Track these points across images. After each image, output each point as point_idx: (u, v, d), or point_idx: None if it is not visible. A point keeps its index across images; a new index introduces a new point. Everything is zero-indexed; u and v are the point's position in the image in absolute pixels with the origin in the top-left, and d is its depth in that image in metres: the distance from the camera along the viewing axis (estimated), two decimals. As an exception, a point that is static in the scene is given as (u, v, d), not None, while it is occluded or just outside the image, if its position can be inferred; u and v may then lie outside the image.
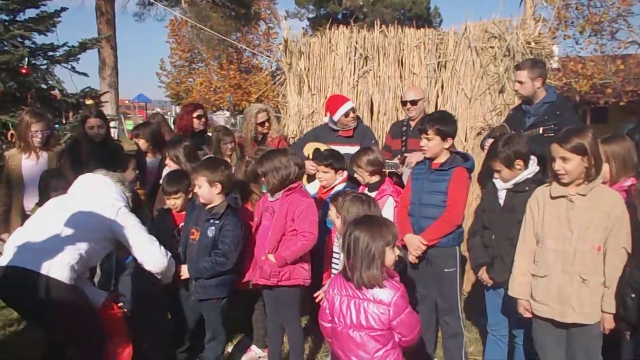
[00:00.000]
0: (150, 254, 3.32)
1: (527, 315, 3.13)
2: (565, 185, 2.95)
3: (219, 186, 3.66)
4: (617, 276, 2.84)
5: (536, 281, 3.04)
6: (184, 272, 3.64)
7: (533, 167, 3.40)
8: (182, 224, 3.87)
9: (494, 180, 3.52)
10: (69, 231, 3.05)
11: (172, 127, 6.11)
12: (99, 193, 3.29)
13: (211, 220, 3.64)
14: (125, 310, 3.50)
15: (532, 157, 3.42)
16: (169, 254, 3.43)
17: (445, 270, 3.75)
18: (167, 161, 4.45)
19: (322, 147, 4.78)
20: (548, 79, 4.94)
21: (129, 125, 24.78)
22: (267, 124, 5.15)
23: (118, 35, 16.71)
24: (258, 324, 4.19)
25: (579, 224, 2.90)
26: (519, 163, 3.34)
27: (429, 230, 3.71)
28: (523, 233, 3.14)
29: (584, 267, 2.89)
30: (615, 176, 3.32)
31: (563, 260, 2.93)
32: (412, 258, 3.79)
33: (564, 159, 2.89)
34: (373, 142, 4.78)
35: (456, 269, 3.76)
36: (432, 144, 3.73)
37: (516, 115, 4.50)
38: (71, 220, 3.09)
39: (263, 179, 3.71)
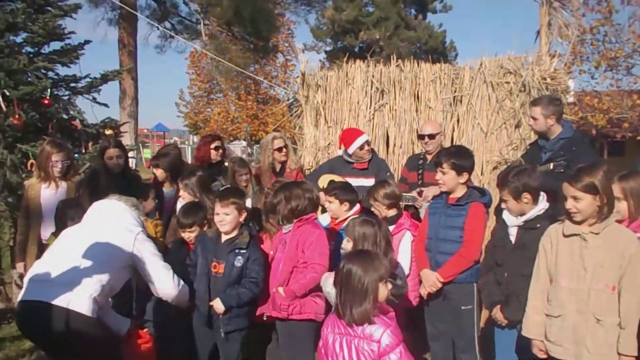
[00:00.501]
0: (163, 283, 3.31)
1: (542, 355, 3.05)
2: (578, 223, 2.91)
3: (244, 214, 3.71)
4: (633, 317, 2.77)
5: (550, 321, 2.98)
6: (218, 305, 3.57)
7: (543, 203, 3.37)
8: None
9: (503, 216, 3.50)
10: (88, 262, 3.04)
11: (190, 156, 6.19)
12: (114, 220, 3.28)
13: (237, 251, 3.65)
14: (152, 335, 3.48)
15: (542, 193, 3.39)
16: (181, 282, 3.43)
17: (463, 307, 3.70)
18: (181, 192, 4.47)
19: (338, 179, 4.79)
20: (564, 114, 4.93)
21: (147, 154, 25.10)
22: (284, 150, 5.20)
23: (139, 66, 17.06)
24: (272, 357, 4.13)
25: (593, 262, 2.85)
26: (526, 196, 3.32)
27: (445, 266, 3.68)
28: (537, 271, 3.09)
29: (598, 306, 2.83)
30: (635, 213, 3.26)
31: (577, 299, 2.88)
32: (424, 293, 3.75)
33: (575, 198, 2.86)
34: (388, 174, 4.79)
35: (473, 306, 3.70)
36: (447, 178, 3.72)
37: (533, 150, 4.50)
38: (90, 250, 3.08)
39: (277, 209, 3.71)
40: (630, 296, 2.78)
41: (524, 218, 3.36)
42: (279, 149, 5.18)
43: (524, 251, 3.32)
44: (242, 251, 3.64)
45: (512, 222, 3.44)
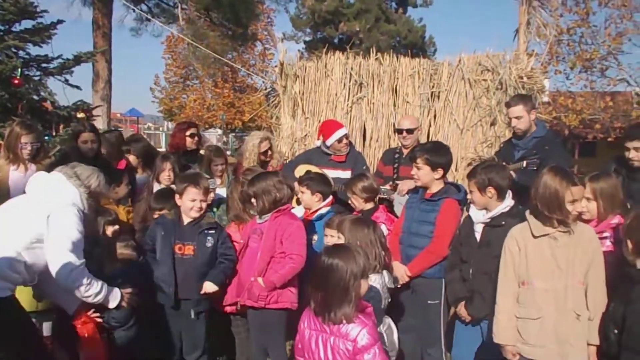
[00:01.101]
0: (56, 268, 2.95)
1: (515, 358, 3.00)
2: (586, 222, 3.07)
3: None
4: (600, 308, 2.84)
5: (526, 324, 2.92)
6: (211, 287, 3.64)
7: (508, 200, 3.40)
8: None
9: (469, 212, 3.53)
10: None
11: (164, 142, 6.10)
12: (43, 194, 3.05)
13: (206, 231, 3.71)
14: (102, 319, 3.41)
15: (509, 191, 3.43)
16: (92, 280, 3.08)
17: (429, 302, 3.74)
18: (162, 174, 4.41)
19: (314, 169, 4.78)
20: (539, 112, 5.01)
21: (119, 138, 24.64)
22: (269, 152, 5.16)
23: (113, 48, 16.71)
24: (243, 347, 4.11)
25: (565, 260, 2.88)
26: (490, 190, 3.35)
27: (414, 261, 3.72)
28: (504, 275, 3.02)
29: (575, 302, 2.87)
30: (604, 213, 3.33)
31: (555, 298, 2.88)
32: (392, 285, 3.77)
33: (588, 199, 3.09)
34: (364, 168, 4.80)
35: (440, 301, 3.73)
36: (421, 173, 3.75)
37: (506, 148, 4.55)
38: (4, 225, 2.95)
39: (253, 199, 3.68)
40: (597, 288, 2.86)
41: (490, 215, 3.39)
42: (264, 152, 5.13)
43: (488, 249, 3.35)
44: (211, 232, 3.73)
45: (478, 218, 3.47)
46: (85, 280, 3.02)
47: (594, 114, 15.36)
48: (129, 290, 3.39)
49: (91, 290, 3.07)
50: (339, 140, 4.82)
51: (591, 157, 17.22)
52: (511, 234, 3.03)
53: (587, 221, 3.24)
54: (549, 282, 2.89)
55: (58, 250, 2.95)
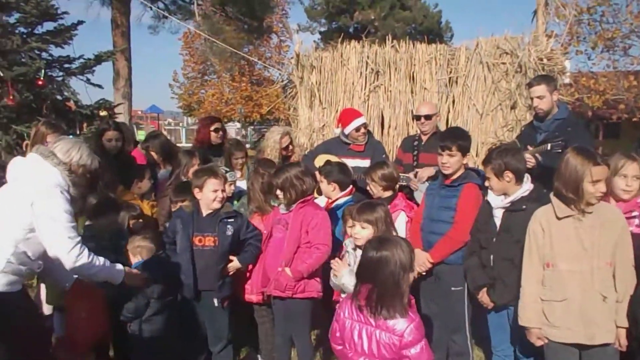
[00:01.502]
0: (55, 247, 2.90)
1: (540, 343, 3.00)
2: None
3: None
4: (629, 290, 2.82)
5: (551, 306, 2.92)
6: (234, 265, 3.78)
7: (527, 184, 3.36)
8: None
9: (487, 198, 3.49)
10: None
11: (184, 138, 6.19)
12: (24, 178, 2.96)
13: (225, 220, 3.78)
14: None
15: (527, 175, 3.40)
16: (94, 257, 3.04)
17: (452, 288, 3.74)
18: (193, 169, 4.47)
19: (334, 159, 4.80)
20: (560, 94, 4.95)
21: (141, 135, 24.96)
22: (290, 147, 5.20)
23: (132, 47, 16.88)
24: (267, 337, 4.17)
25: (591, 241, 2.85)
26: (508, 175, 3.31)
27: (435, 247, 3.72)
28: (528, 257, 3.03)
29: (602, 284, 2.84)
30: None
31: (581, 280, 2.85)
32: (415, 272, 3.78)
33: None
34: (383, 156, 4.80)
35: (464, 288, 3.72)
36: (454, 160, 3.73)
37: (528, 131, 4.50)
38: None
39: (278, 191, 3.73)
40: (625, 269, 2.83)
41: (510, 199, 3.34)
42: (286, 147, 5.17)
43: (509, 234, 3.31)
44: (230, 220, 3.79)
45: (497, 203, 3.42)
46: (85, 259, 2.96)
47: (618, 94, 15.06)
48: (136, 271, 3.44)
49: (93, 268, 3.03)
50: (357, 129, 4.83)
51: (615, 139, 16.94)
52: (535, 216, 3.02)
53: (626, 201, 3.20)
54: (575, 263, 2.87)
55: (51, 235, 2.89)
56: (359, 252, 3.15)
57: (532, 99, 4.39)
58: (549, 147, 4.04)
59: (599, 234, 2.85)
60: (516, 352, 3.52)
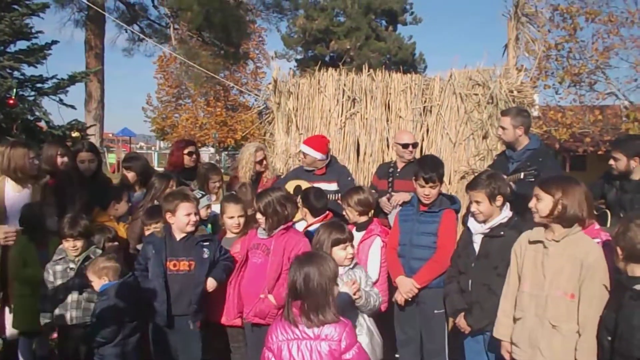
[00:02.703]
0: None
1: (507, 357, 3.15)
2: (540, 225, 3.03)
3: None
4: (589, 324, 2.84)
5: (514, 323, 3.10)
6: (211, 283, 3.70)
7: (506, 211, 3.46)
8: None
9: (468, 224, 3.57)
10: None
11: (156, 162, 6.15)
12: None
13: (202, 243, 3.74)
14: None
15: (507, 203, 3.49)
16: None
17: (435, 311, 3.78)
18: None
19: (304, 184, 4.83)
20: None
21: (111, 159, 24.63)
22: (264, 162, 5.25)
23: (105, 69, 16.81)
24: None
25: (552, 270, 2.94)
26: (499, 199, 3.42)
27: (420, 272, 3.75)
28: (509, 276, 3.18)
29: (554, 312, 2.92)
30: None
31: (536, 304, 2.98)
32: (400, 299, 3.80)
33: (537, 197, 3.01)
34: (349, 179, 4.87)
35: (445, 311, 3.76)
36: (435, 192, 3.84)
37: (501, 160, 4.61)
38: None
39: (259, 215, 3.70)
40: (587, 305, 2.86)
41: (488, 225, 3.44)
42: (260, 162, 5.21)
43: (487, 260, 3.41)
44: (205, 243, 3.76)
45: (477, 229, 3.51)
46: None
47: (584, 128, 15.53)
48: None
49: None
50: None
51: (582, 171, 17.38)
52: (520, 237, 3.17)
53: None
54: (534, 287, 3.00)
55: None
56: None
57: (499, 127, 4.53)
58: (522, 176, 4.14)
59: (562, 264, 2.92)
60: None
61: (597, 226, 3.35)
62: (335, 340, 2.56)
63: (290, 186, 4.95)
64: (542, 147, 4.58)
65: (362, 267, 3.62)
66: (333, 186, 4.74)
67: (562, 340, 2.90)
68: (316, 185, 4.73)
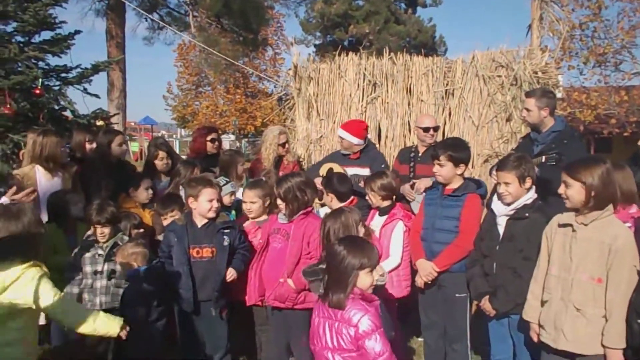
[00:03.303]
0: None
1: (535, 339, 3.16)
2: (570, 210, 3.00)
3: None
4: (616, 309, 2.81)
5: (542, 306, 3.11)
6: (233, 273, 3.78)
7: (531, 192, 3.42)
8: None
9: (492, 206, 3.54)
10: None
11: (178, 150, 6.21)
12: None
13: (222, 231, 3.79)
14: None
15: (533, 186, 3.45)
16: None
17: (457, 295, 3.76)
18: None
19: (336, 167, 4.85)
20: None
21: (134, 147, 24.91)
22: (287, 145, 5.32)
23: (127, 58, 16.94)
24: (268, 346, 4.14)
25: (579, 253, 2.92)
26: (528, 181, 3.38)
27: (441, 256, 3.74)
28: (540, 258, 3.17)
29: (579, 296, 2.91)
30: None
31: (562, 287, 2.97)
32: (420, 282, 3.81)
33: (565, 184, 2.97)
34: (383, 166, 4.84)
35: (467, 295, 3.76)
36: (444, 170, 3.78)
37: (525, 143, 4.55)
38: None
39: (279, 201, 3.73)
40: (615, 289, 2.83)
41: (513, 206, 3.40)
42: (283, 144, 5.28)
43: (512, 242, 3.38)
44: (226, 231, 3.80)
45: (501, 211, 3.47)
46: None
47: (609, 109, 15.23)
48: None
49: None
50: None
51: (607, 153, 17.07)
52: (552, 220, 3.15)
53: None
54: (561, 270, 2.99)
55: None
56: None
57: (523, 109, 4.47)
58: (543, 160, 4.09)
59: (590, 248, 2.89)
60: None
61: (634, 209, 3.29)
62: (352, 326, 2.55)
63: (323, 169, 5.01)
64: (567, 128, 4.50)
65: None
66: (366, 171, 4.75)
67: (586, 324, 2.88)
68: (349, 169, 4.81)
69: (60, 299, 2.78)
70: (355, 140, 4.95)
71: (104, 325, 2.91)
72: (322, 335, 2.64)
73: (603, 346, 2.85)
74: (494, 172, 4.21)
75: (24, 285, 2.64)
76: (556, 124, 4.34)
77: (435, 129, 4.86)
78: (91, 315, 2.91)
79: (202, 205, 3.77)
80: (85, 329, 2.87)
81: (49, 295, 2.70)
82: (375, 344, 2.53)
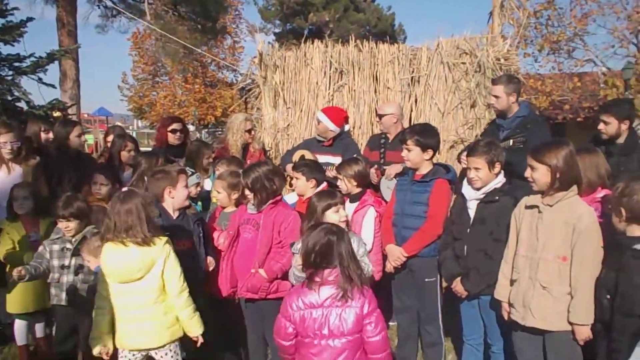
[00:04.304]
0: None
1: (506, 317, 3.26)
2: (537, 193, 3.10)
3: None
4: (580, 287, 2.92)
5: (511, 285, 3.21)
6: (212, 263, 3.84)
7: (500, 177, 3.51)
8: None
9: (462, 190, 3.61)
10: None
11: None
12: None
13: (197, 222, 3.80)
14: None
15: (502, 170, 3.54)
16: None
17: (426, 279, 3.81)
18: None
19: (308, 154, 4.83)
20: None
21: (89, 139, 24.18)
22: (252, 132, 5.26)
23: (79, 47, 16.37)
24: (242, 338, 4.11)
25: (545, 233, 3.03)
26: (497, 166, 3.46)
27: (409, 241, 3.78)
28: (510, 239, 3.27)
29: (545, 275, 3.02)
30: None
31: (530, 267, 3.08)
32: (389, 267, 3.85)
33: (531, 167, 3.07)
34: (355, 155, 4.85)
35: (437, 279, 3.82)
36: (412, 155, 3.81)
37: (491, 128, 4.64)
38: None
39: (247, 191, 3.68)
40: (579, 268, 2.94)
41: (484, 190, 3.48)
42: (249, 131, 5.22)
43: (483, 225, 3.47)
44: (198, 222, 3.80)
45: (471, 195, 3.55)
46: None
47: (563, 95, 15.73)
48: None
49: None
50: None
51: (561, 138, 17.63)
52: (520, 202, 3.24)
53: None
54: (528, 250, 3.10)
55: None
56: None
57: (491, 96, 4.54)
58: (511, 143, 4.18)
59: (555, 228, 2.99)
60: (486, 340, 3.65)
61: (601, 193, 3.39)
62: (358, 307, 2.64)
63: (296, 155, 4.99)
64: (531, 114, 4.61)
65: (357, 236, 3.65)
66: (338, 159, 4.74)
67: (553, 302, 2.99)
68: (322, 157, 4.82)
69: None
70: (331, 125, 4.95)
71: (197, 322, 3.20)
72: (322, 327, 2.65)
73: (570, 323, 2.96)
74: (462, 157, 4.29)
75: None
76: (520, 109, 4.44)
77: (379, 116, 4.94)
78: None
79: (181, 192, 3.64)
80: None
81: None
82: (377, 320, 2.68)
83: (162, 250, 3.07)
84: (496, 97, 4.39)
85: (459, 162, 4.44)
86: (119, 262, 3.03)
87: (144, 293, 3.07)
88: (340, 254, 2.67)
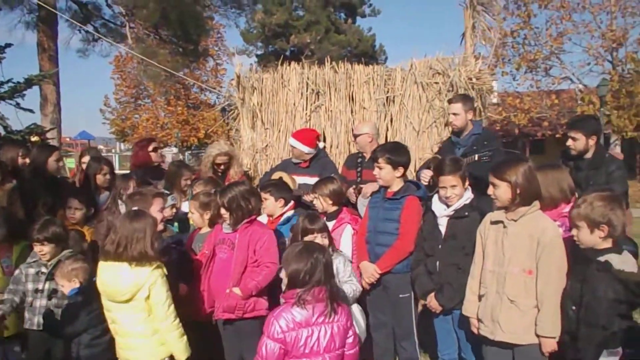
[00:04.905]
0: None
1: (475, 332, 3.29)
2: (500, 209, 3.17)
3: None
4: (546, 299, 2.98)
5: (479, 301, 3.25)
6: (184, 290, 3.82)
7: (468, 193, 3.60)
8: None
9: (432, 207, 3.68)
10: None
11: (117, 164, 6.05)
12: None
13: (173, 245, 3.90)
14: None
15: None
16: None
17: (400, 295, 3.86)
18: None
19: (285, 176, 4.88)
20: (489, 112, 5.27)
21: (70, 163, 23.99)
22: (222, 167, 5.21)
23: (60, 71, 16.33)
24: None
25: (510, 248, 3.10)
26: (466, 181, 3.57)
27: (382, 258, 3.83)
28: (476, 256, 3.32)
29: (512, 289, 3.07)
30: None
31: (497, 281, 3.13)
32: (364, 284, 3.88)
33: (493, 185, 3.15)
34: (332, 175, 4.91)
35: (411, 294, 3.86)
36: (383, 173, 3.88)
37: (448, 146, 4.79)
38: None
39: (223, 210, 3.70)
40: (544, 281, 3.00)
41: (454, 207, 3.56)
42: (218, 165, 5.21)
43: (455, 241, 3.55)
44: (174, 246, 3.85)
45: (442, 212, 3.63)
46: None
47: (542, 112, 16.04)
48: None
49: None
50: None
51: (541, 154, 17.89)
52: (484, 219, 3.31)
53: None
54: (495, 265, 3.15)
55: None
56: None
57: (450, 115, 4.69)
58: (476, 158, 4.28)
59: (520, 242, 3.07)
60: (461, 355, 3.68)
61: (567, 208, 3.46)
62: (343, 323, 2.74)
63: (275, 177, 5.01)
64: (485, 131, 4.83)
65: (342, 254, 3.70)
66: (315, 180, 4.75)
67: (520, 315, 3.04)
68: (299, 178, 4.89)
69: None
70: (305, 149, 5.02)
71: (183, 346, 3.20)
72: (313, 344, 2.67)
73: (537, 335, 3.00)
74: (422, 174, 4.39)
75: None
76: (475, 127, 4.65)
77: (355, 136, 5.07)
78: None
79: (154, 217, 3.67)
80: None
81: None
82: (355, 337, 2.83)
83: (149, 275, 3.09)
84: (455, 114, 4.57)
85: (418, 179, 4.49)
86: (110, 282, 3.12)
87: (133, 312, 3.14)
88: (327, 271, 2.74)
